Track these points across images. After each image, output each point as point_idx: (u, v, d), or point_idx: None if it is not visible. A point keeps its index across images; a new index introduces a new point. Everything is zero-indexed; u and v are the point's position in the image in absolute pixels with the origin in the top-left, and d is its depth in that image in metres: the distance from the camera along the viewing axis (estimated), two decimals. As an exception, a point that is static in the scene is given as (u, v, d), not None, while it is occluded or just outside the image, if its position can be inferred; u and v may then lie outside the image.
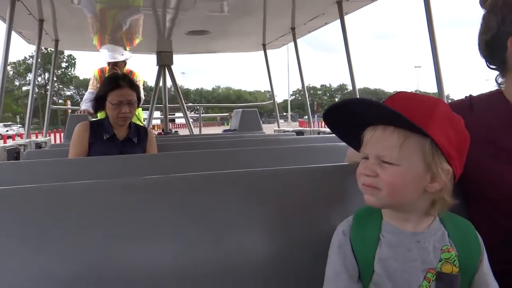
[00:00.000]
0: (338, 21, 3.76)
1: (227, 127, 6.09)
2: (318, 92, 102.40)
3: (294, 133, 4.54)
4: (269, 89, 6.13)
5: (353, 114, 0.91)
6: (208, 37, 4.97)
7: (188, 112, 6.06)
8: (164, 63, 5.52)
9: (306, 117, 5.39)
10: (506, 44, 1.07)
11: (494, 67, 1.15)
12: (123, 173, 1.92)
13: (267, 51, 5.75)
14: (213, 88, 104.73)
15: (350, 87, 3.99)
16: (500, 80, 1.15)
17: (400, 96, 0.90)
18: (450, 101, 1.33)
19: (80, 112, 4.91)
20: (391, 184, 0.87)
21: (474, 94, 1.24)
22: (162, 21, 4.11)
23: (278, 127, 5.91)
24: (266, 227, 1.11)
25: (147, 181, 1.16)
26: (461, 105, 1.19)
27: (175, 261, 1.03)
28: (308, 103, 5.13)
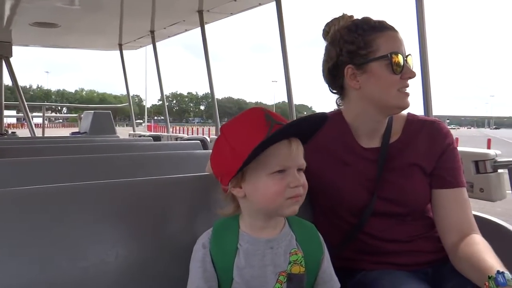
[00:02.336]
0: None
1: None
2: (185, 99, 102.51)
3: (151, 138, 4.40)
4: (139, 93, 5.89)
5: None
6: (57, 31, 4.54)
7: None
8: (1, 55, 4.87)
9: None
10: (344, 72, 1.23)
11: (335, 91, 1.31)
12: None
13: (125, 51, 5.51)
14: (76, 90, 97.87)
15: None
16: (339, 102, 1.32)
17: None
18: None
19: None
20: (307, 188, 0.96)
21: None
22: (1, 7, 3.62)
23: (134, 131, 5.70)
24: (124, 239, 1.07)
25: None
26: None
27: (24, 281, 0.93)
28: (167, 108, 5.07)
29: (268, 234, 0.98)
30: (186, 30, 4.41)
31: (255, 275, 0.94)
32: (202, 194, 1.22)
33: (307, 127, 0.98)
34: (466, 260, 1.08)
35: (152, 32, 4.57)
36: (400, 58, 1.18)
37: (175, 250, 1.11)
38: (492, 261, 1.01)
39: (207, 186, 1.21)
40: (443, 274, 1.22)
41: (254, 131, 0.91)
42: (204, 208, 1.20)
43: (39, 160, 1.99)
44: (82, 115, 5.96)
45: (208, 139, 3.49)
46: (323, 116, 0.99)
